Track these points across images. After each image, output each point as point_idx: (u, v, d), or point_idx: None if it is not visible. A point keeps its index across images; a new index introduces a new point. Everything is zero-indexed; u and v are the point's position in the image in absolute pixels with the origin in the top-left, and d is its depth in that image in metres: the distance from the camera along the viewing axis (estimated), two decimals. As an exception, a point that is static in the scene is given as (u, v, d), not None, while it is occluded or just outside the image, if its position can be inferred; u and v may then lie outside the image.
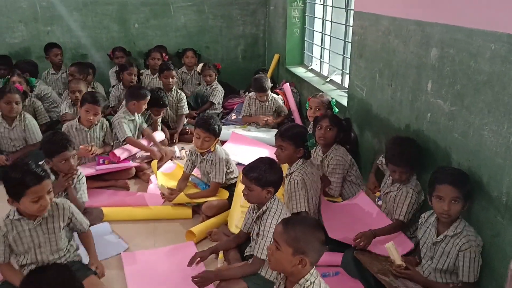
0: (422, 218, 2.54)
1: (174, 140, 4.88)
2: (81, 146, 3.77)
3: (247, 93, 5.81)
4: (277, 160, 2.95)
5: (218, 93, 5.66)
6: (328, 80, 5.09)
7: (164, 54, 5.99)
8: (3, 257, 2.39)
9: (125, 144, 4.15)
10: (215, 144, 3.47)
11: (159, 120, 4.73)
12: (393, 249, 2.43)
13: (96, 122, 3.98)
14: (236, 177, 3.59)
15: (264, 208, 2.53)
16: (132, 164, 3.98)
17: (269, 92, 5.09)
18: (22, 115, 4.04)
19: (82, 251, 2.66)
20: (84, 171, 3.63)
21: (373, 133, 3.59)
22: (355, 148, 3.80)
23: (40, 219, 2.39)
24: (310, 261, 1.79)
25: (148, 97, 4.35)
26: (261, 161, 2.59)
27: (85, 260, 2.67)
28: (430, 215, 2.48)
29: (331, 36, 5.10)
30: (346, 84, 4.47)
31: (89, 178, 3.66)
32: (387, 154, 2.88)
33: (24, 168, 2.30)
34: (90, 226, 3.12)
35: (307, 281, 1.80)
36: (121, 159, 3.94)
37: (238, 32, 6.80)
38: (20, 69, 5.21)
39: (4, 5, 5.93)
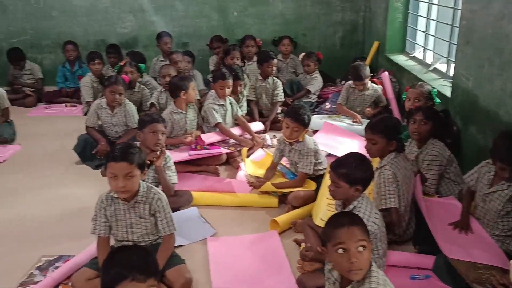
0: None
1: (266, 128, 4.89)
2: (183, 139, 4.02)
3: (343, 82, 5.63)
4: (367, 154, 2.81)
5: (316, 83, 5.57)
6: (431, 68, 4.73)
7: (258, 40, 6.00)
8: (104, 230, 2.48)
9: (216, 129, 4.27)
10: (304, 134, 3.40)
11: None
12: None
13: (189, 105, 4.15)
14: (325, 168, 3.48)
15: (351, 206, 2.39)
16: (223, 150, 4.05)
17: (367, 81, 4.86)
18: (123, 102, 4.27)
19: (178, 233, 2.68)
20: (178, 155, 3.81)
21: (478, 127, 3.26)
22: (457, 142, 3.48)
23: (133, 203, 2.49)
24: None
25: (230, 79, 4.37)
26: (351, 156, 2.45)
27: (179, 241, 2.77)
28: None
29: (437, 21, 4.72)
30: (451, 73, 4.12)
31: (181, 162, 3.84)
32: (496, 150, 2.59)
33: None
34: (179, 208, 3.28)
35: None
36: (206, 143, 4.06)
37: (337, 19, 6.60)
38: (131, 59, 5.57)
39: (116, -4, 6.39)
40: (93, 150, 4.11)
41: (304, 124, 3.36)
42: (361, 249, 1.75)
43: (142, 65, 5.06)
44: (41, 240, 2.98)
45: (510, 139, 2.56)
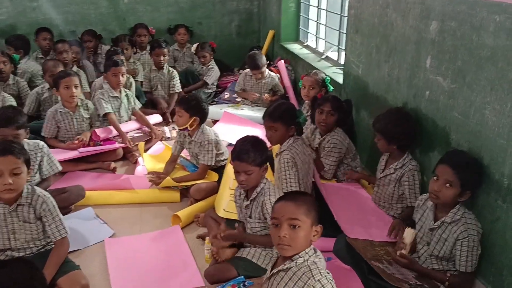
0: (419, 201, 2.41)
1: (167, 120, 4.73)
2: (71, 144, 3.69)
3: (241, 70, 5.64)
4: (268, 142, 2.82)
5: (213, 73, 5.47)
6: (323, 57, 4.90)
7: (150, 28, 5.76)
8: None
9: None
10: (193, 122, 3.28)
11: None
12: (412, 238, 2.30)
13: (79, 103, 3.83)
14: (226, 159, 3.45)
15: (258, 189, 2.41)
16: (117, 145, 3.81)
17: (265, 69, 4.91)
18: None
19: (72, 237, 2.48)
20: (66, 154, 3.52)
21: (370, 112, 3.43)
22: (352, 128, 3.64)
23: (15, 206, 2.27)
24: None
25: (122, 66, 4.14)
26: (247, 141, 2.45)
27: (74, 245, 2.55)
28: (427, 198, 2.35)
29: (327, 11, 4.89)
30: (342, 61, 4.29)
31: (73, 160, 3.57)
32: (374, 122, 2.79)
33: None
34: (71, 206, 3.09)
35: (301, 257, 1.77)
36: (101, 138, 3.80)
37: (232, 7, 6.56)
38: (13, 46, 5.01)
39: (-12, -21, 5.70)
40: None
41: (187, 109, 3.25)
42: (294, 227, 1.73)
43: (16, 56, 4.58)
44: None
45: (387, 114, 2.76)
